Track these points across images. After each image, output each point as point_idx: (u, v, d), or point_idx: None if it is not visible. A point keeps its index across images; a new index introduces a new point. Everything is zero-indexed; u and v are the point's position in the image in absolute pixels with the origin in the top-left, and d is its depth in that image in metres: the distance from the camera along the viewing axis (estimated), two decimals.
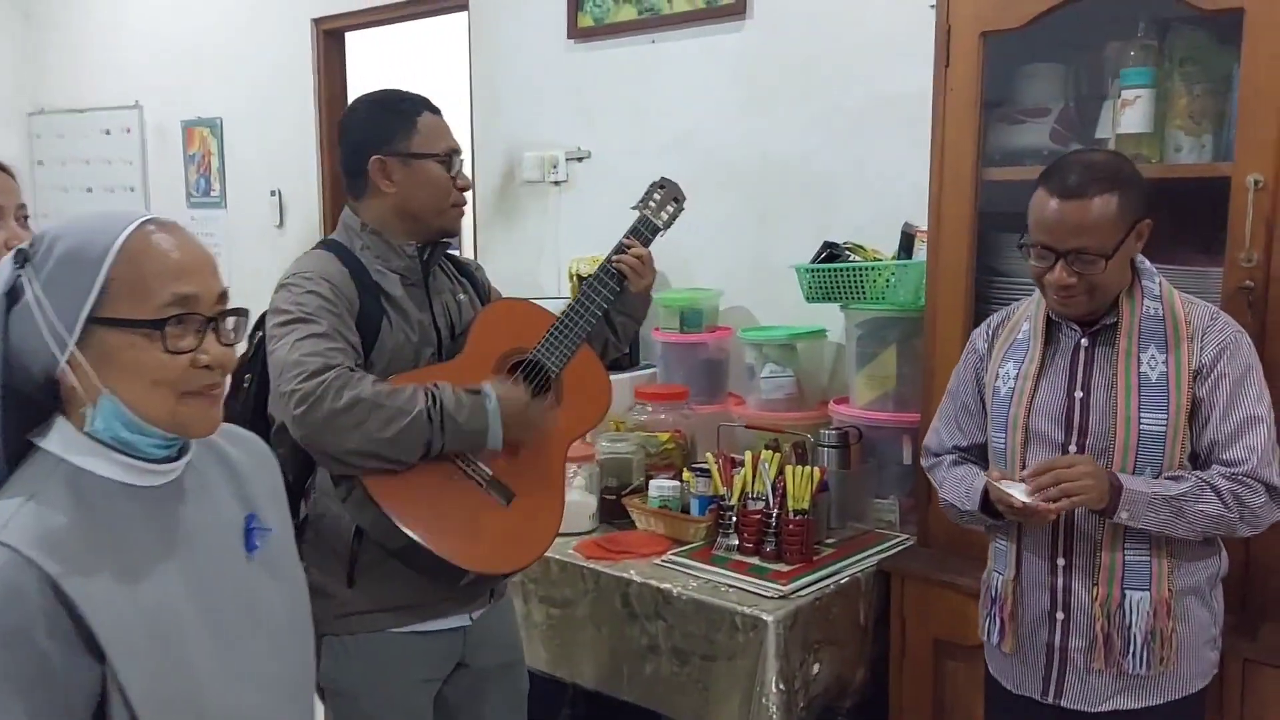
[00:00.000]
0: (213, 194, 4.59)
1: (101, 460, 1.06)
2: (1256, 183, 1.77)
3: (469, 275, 1.97)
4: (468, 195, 1.84)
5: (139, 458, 1.08)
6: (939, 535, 2.21)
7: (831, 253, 2.49)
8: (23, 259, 1.06)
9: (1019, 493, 1.59)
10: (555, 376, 1.83)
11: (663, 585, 2.11)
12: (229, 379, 1.14)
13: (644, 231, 1.98)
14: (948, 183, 2.15)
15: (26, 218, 1.66)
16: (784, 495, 2.22)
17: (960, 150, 2.12)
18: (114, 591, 1.01)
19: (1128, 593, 1.63)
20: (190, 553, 1.10)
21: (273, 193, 4.31)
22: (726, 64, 2.98)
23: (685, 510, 2.39)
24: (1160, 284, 1.69)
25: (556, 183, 3.42)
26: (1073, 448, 1.67)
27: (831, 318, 2.69)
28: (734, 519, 2.26)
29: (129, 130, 4.83)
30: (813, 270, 2.47)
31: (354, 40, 4.20)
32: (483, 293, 1.97)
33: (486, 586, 1.81)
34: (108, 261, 1.03)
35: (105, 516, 1.04)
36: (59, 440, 1.07)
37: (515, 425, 1.72)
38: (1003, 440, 1.75)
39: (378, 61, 4.56)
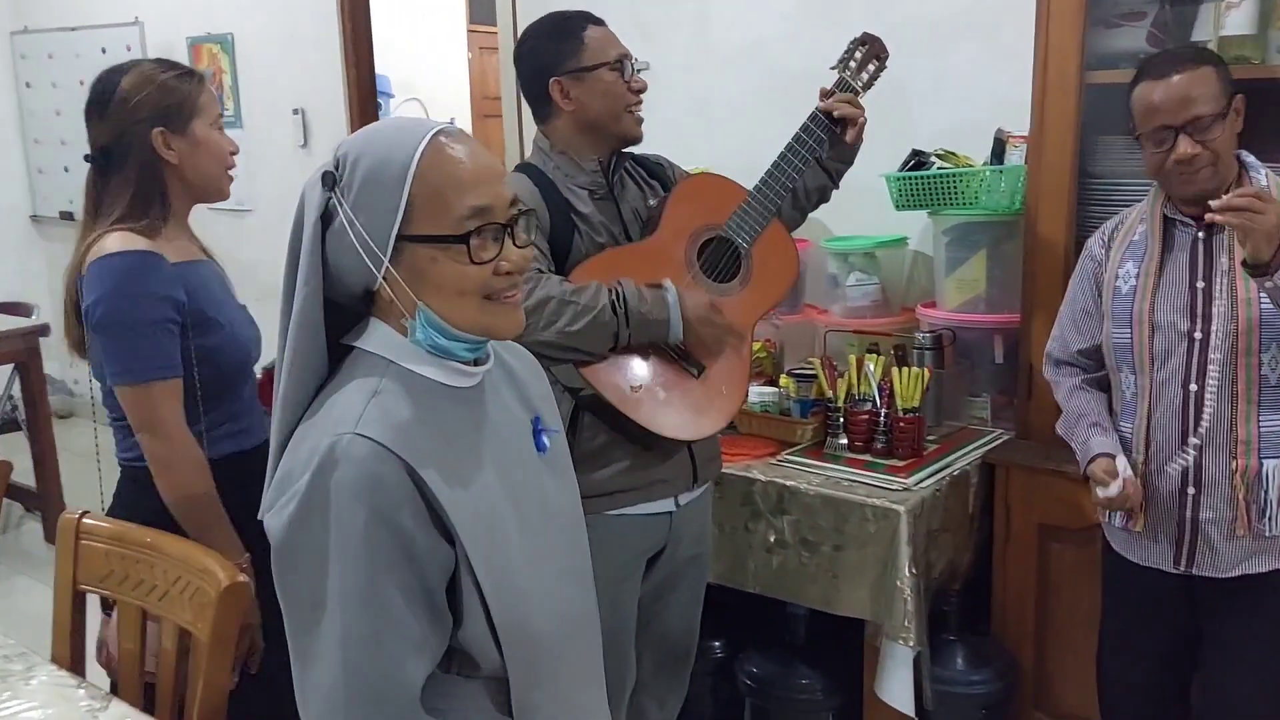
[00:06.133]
0: (226, 113, 4.49)
1: (426, 365, 1.13)
2: None
3: (658, 176, 2.05)
4: (644, 98, 1.91)
5: (455, 360, 1.14)
6: (1038, 428, 2.33)
7: (919, 160, 2.56)
8: (331, 181, 1.09)
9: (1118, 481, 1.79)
10: (746, 252, 1.92)
11: (788, 483, 2.21)
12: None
13: (843, 93, 2.04)
14: (1051, 87, 2.21)
15: None
16: (891, 395, 2.32)
17: (1064, 54, 2.18)
18: (453, 480, 1.08)
19: (1265, 462, 1.76)
20: (497, 450, 1.17)
21: (295, 111, 4.23)
22: None
23: (784, 414, 2.48)
24: (1266, 174, 1.79)
25: None
26: (1198, 335, 1.78)
27: (905, 226, 2.77)
28: (842, 420, 2.36)
29: (129, 49, 4.67)
30: (903, 178, 2.53)
31: None
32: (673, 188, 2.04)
33: (689, 469, 1.93)
34: (407, 182, 1.07)
35: (435, 414, 1.11)
36: (382, 344, 1.13)
37: (695, 321, 1.84)
38: (1127, 335, 1.85)
39: None
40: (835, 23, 2.89)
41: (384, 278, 1.09)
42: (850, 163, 2.13)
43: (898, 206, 2.58)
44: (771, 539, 2.24)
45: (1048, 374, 2.03)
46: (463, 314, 1.10)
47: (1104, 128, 2.26)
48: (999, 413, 2.52)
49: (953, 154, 2.52)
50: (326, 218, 1.10)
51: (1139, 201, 2.01)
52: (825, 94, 2.07)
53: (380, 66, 4.28)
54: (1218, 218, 1.62)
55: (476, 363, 1.18)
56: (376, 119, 4.17)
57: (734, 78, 3.11)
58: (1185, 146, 1.70)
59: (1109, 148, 2.27)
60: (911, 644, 2.06)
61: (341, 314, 1.14)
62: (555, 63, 1.87)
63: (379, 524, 1.02)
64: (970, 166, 2.49)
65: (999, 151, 2.47)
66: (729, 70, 3.12)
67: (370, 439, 1.04)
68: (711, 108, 3.16)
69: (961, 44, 2.67)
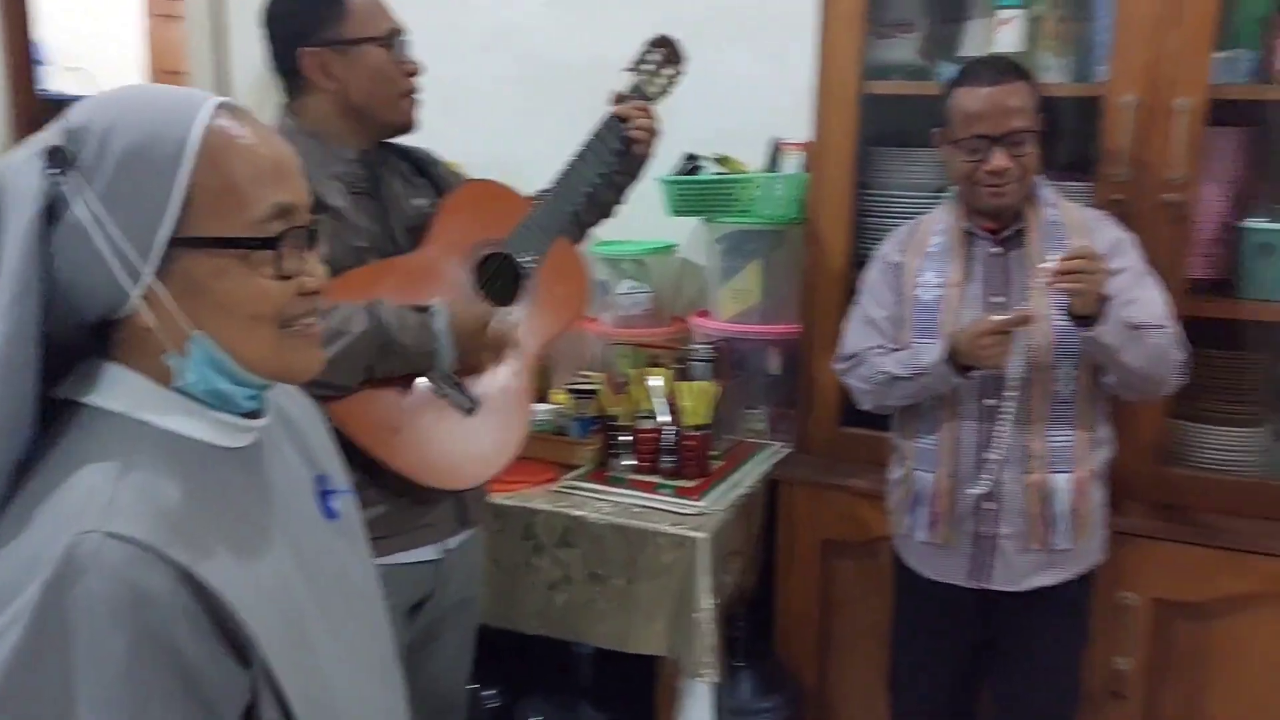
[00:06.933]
0: None
1: (192, 419, 0.83)
2: (1129, 103, 1.95)
3: (426, 172, 1.77)
4: (419, 81, 1.66)
5: (230, 412, 0.85)
6: (819, 442, 2.29)
7: (694, 165, 2.45)
8: (61, 160, 0.77)
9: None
10: (530, 272, 1.68)
11: (575, 513, 2.02)
12: None
13: (636, 100, 1.88)
14: (832, 96, 2.16)
15: None
16: (677, 411, 2.18)
17: (844, 63, 2.15)
18: (245, 580, 0.80)
19: (1054, 476, 1.77)
20: (287, 526, 0.90)
21: None
22: None
23: (560, 433, 2.29)
24: (1051, 193, 1.83)
25: None
26: None
27: (671, 232, 2.66)
28: (628, 439, 2.20)
29: None
30: (679, 183, 2.41)
31: None
32: (444, 189, 1.77)
33: (456, 513, 1.68)
34: (187, 162, 0.78)
35: (210, 490, 0.82)
36: (125, 396, 0.82)
37: (471, 346, 1.60)
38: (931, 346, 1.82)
39: None
40: (598, 13, 2.75)
41: (144, 297, 0.78)
42: (637, 176, 1.96)
43: (673, 212, 2.46)
44: (557, 574, 2.03)
45: (840, 367, 1.94)
46: (255, 347, 0.82)
47: (877, 139, 2.25)
48: (775, 425, 2.46)
49: (729, 159, 2.43)
50: (51, 213, 0.77)
51: (917, 212, 2.01)
52: (618, 99, 1.90)
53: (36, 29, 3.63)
54: (1058, 284, 1.62)
55: (252, 415, 0.89)
56: (32, 91, 3.52)
57: (485, 64, 2.87)
58: (999, 159, 1.69)
59: (882, 159, 2.27)
60: (714, 678, 1.93)
61: (51, 354, 0.81)
62: (310, 30, 1.58)
63: (147, 652, 0.72)
64: (746, 173, 2.40)
65: (775, 159, 2.40)
66: (479, 56, 2.87)
67: (127, 538, 0.73)
68: (458, 96, 2.87)
69: (731, 47, 2.58)
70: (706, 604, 1.93)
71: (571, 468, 2.21)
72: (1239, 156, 2.07)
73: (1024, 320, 1.69)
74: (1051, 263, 1.65)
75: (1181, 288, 1.96)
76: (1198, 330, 2.09)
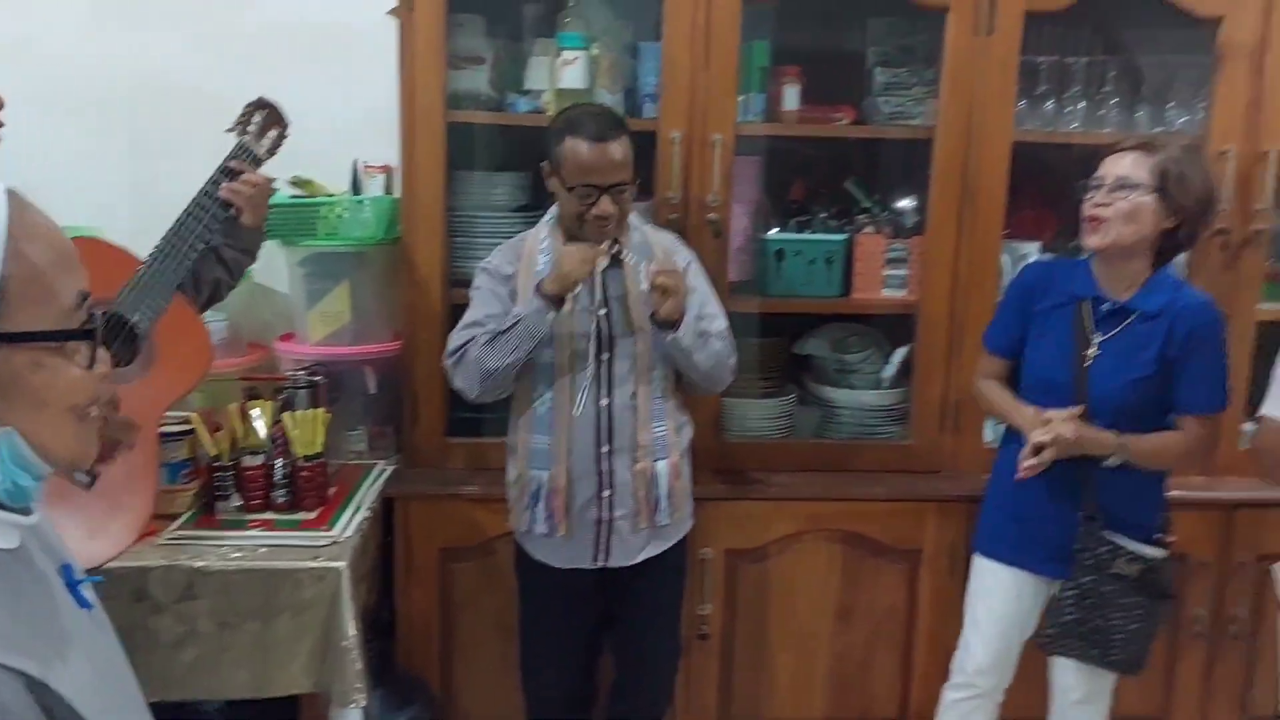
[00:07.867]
0: None
1: None
2: (677, 138, 2.29)
3: None
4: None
5: (17, 509, 0.81)
6: (426, 454, 2.38)
7: None
8: None
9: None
10: (144, 333, 1.56)
11: (197, 564, 1.90)
12: None
13: (243, 162, 1.78)
14: (419, 124, 2.25)
15: None
16: (285, 443, 2.13)
17: (429, 92, 2.24)
18: (77, 679, 0.77)
19: (656, 463, 2.05)
20: (70, 619, 0.86)
21: None
22: None
23: None
24: (637, 218, 2.12)
25: None
26: (605, 356, 2.01)
27: None
28: (232, 478, 2.10)
29: None
30: None
31: None
32: None
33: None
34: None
35: (12, 592, 0.78)
36: None
37: None
38: (550, 355, 2.00)
39: None
40: (128, 25, 2.55)
41: None
42: (253, 254, 1.96)
43: None
44: (180, 631, 1.90)
45: (450, 362, 2.02)
46: (62, 438, 0.79)
47: (456, 163, 2.37)
48: (375, 443, 2.49)
49: (309, 182, 2.40)
50: None
51: (502, 231, 2.19)
52: (226, 162, 1.89)
53: None
54: (657, 282, 1.91)
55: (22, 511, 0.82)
56: None
57: None
58: (606, 206, 1.91)
59: (463, 182, 2.40)
60: (364, 703, 1.95)
61: None
62: None
63: None
64: (329, 195, 2.39)
65: (356, 181, 2.42)
66: None
67: None
68: None
69: (300, 67, 2.50)
70: (352, 632, 1.93)
71: (171, 517, 2.06)
72: (756, 181, 2.52)
73: (605, 253, 1.93)
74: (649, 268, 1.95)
75: (725, 290, 2.35)
76: (736, 323, 2.53)
